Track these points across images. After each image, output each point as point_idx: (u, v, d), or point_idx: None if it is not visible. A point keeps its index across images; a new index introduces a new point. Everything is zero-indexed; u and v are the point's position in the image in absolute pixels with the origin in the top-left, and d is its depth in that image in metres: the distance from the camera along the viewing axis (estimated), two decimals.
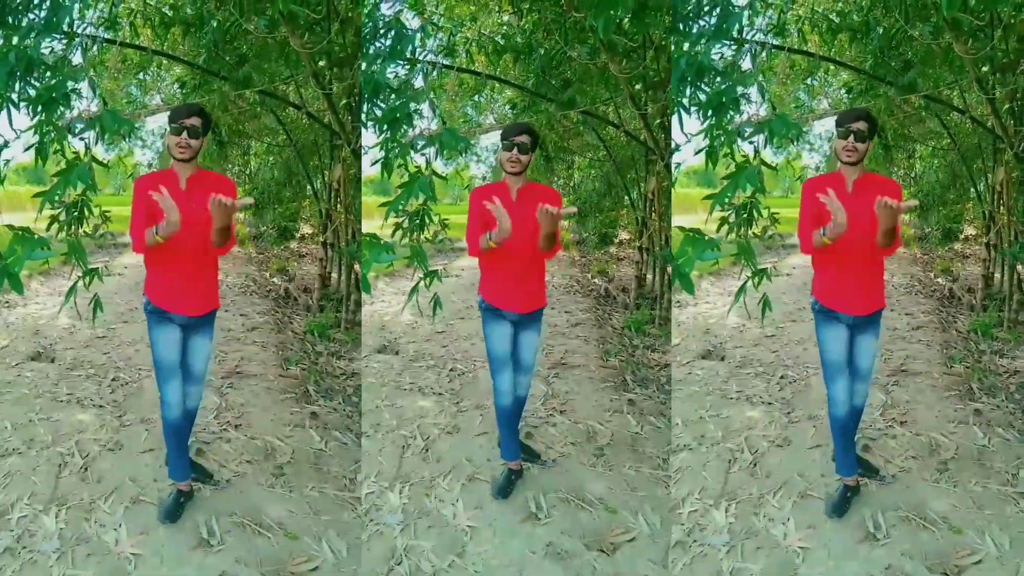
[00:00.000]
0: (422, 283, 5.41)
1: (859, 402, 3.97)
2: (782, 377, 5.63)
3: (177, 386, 3.79)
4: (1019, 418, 4.79)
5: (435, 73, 5.77)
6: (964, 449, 4.46)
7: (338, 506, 4.03)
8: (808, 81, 6.36)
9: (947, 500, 3.94)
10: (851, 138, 3.66)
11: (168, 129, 3.63)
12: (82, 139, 4.93)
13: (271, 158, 6.66)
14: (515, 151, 3.92)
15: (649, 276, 6.31)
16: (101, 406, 5.09)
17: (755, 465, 4.40)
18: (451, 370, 5.78)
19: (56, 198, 4.81)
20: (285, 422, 4.88)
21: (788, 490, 4.11)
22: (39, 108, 4.77)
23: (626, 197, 6.39)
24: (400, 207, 5.38)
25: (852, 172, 3.73)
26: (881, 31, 5.71)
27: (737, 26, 5.16)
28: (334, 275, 6.17)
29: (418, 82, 5.56)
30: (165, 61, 6.00)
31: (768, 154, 5.27)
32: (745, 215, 5.30)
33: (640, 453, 4.59)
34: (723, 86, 5.02)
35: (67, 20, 4.86)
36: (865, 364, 3.90)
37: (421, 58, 5.62)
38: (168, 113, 3.66)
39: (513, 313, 4.08)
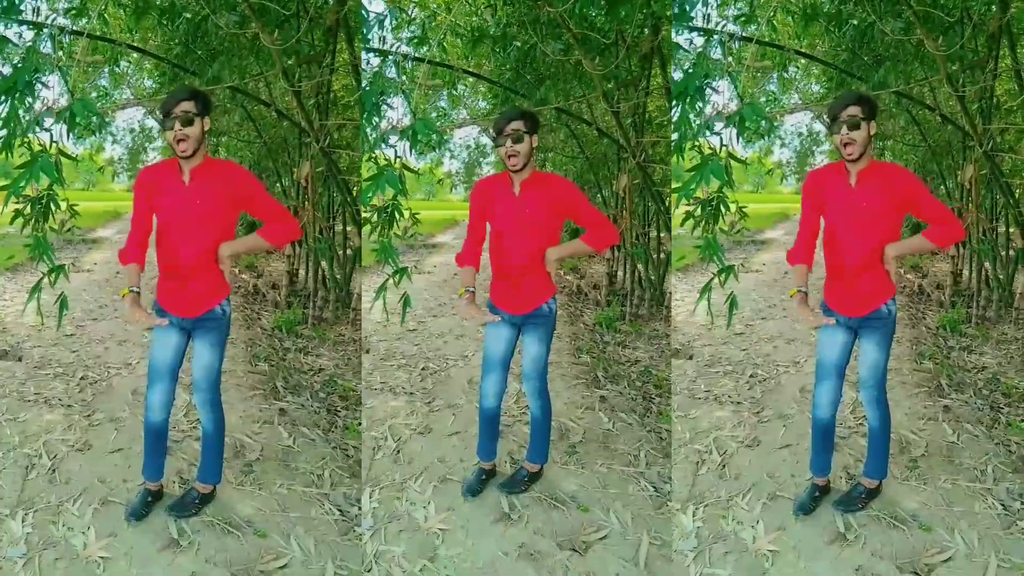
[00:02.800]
0: (391, 280, 5.35)
1: (869, 414, 3.84)
2: (751, 376, 5.59)
3: (163, 390, 3.67)
4: (987, 414, 4.83)
5: (409, 64, 5.71)
6: (934, 446, 4.48)
7: (306, 503, 4.00)
8: (778, 74, 6.36)
9: (917, 498, 3.95)
10: (843, 129, 3.45)
11: (162, 125, 3.45)
12: (47, 131, 4.80)
13: (239, 154, 6.61)
14: (508, 143, 3.69)
15: (620, 273, 6.32)
16: (69, 405, 5.02)
17: (724, 467, 4.38)
18: (423, 369, 5.74)
19: (20, 191, 4.69)
20: (254, 419, 4.84)
21: (757, 492, 4.10)
22: (2, 98, 4.67)
23: (598, 195, 6.39)
24: (367, 201, 5.32)
25: (858, 164, 3.54)
26: (854, 23, 5.72)
27: (703, 14, 5.13)
28: (301, 271, 6.14)
29: (390, 73, 5.51)
30: (136, 56, 5.93)
31: (738, 149, 5.22)
32: (711, 209, 5.20)
33: (611, 450, 4.57)
34: (688, 72, 4.95)
35: (30, 6, 4.79)
36: (863, 371, 3.73)
37: (394, 49, 5.57)
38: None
39: (511, 314, 3.95)
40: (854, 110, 3.46)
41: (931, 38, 5.31)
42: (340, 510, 3.96)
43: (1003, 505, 3.86)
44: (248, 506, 3.93)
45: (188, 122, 3.42)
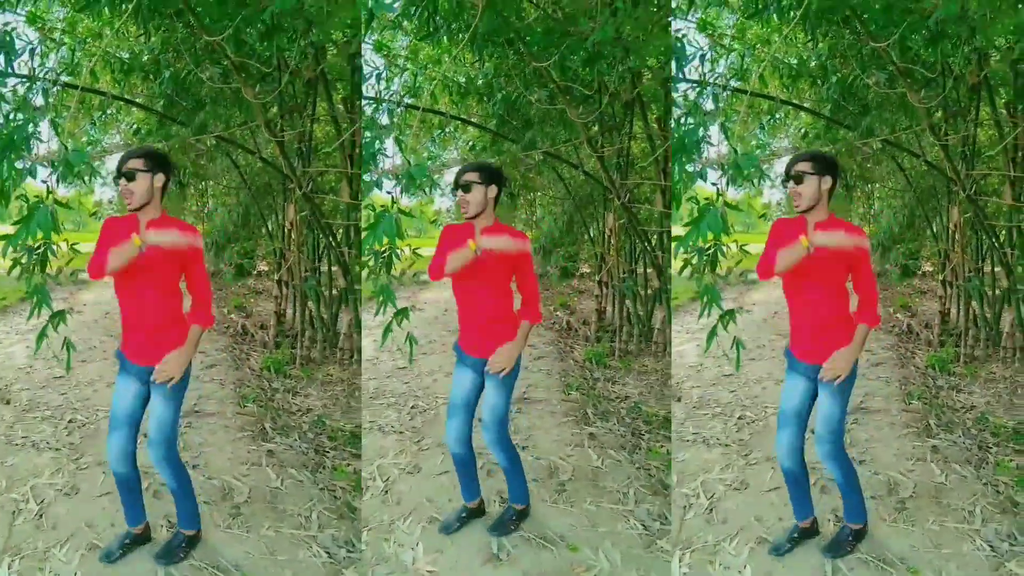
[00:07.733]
0: (394, 322, 5.31)
1: (830, 469, 3.79)
2: (740, 418, 5.55)
3: (119, 439, 3.64)
4: (976, 454, 4.83)
5: (400, 110, 5.77)
6: (922, 487, 4.46)
7: (295, 545, 3.97)
8: (768, 120, 6.44)
9: (906, 540, 3.92)
10: (791, 183, 3.60)
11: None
12: (44, 182, 4.78)
13: (227, 199, 6.68)
14: (459, 192, 3.84)
15: (608, 309, 6.35)
16: (57, 449, 4.98)
17: (711, 511, 4.32)
18: (412, 407, 5.72)
19: (19, 244, 4.63)
20: (242, 460, 4.81)
21: (745, 536, 4.06)
22: None
23: (586, 234, 6.45)
24: (368, 246, 5.32)
25: (813, 215, 3.63)
26: (836, 78, 5.83)
27: (698, 68, 5.21)
28: (288, 312, 6.16)
29: (383, 119, 5.58)
30: (123, 106, 6.01)
31: (730, 192, 5.22)
32: (708, 258, 5.19)
33: (600, 488, 4.56)
34: (686, 127, 5.02)
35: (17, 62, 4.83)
36: (817, 425, 3.72)
37: (387, 97, 5.65)
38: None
39: (473, 358, 3.96)
40: (803, 166, 3.59)
41: (913, 91, 5.40)
42: (328, 552, 3.94)
43: (991, 547, 3.85)
44: (236, 550, 3.90)
45: (130, 177, 3.52)
